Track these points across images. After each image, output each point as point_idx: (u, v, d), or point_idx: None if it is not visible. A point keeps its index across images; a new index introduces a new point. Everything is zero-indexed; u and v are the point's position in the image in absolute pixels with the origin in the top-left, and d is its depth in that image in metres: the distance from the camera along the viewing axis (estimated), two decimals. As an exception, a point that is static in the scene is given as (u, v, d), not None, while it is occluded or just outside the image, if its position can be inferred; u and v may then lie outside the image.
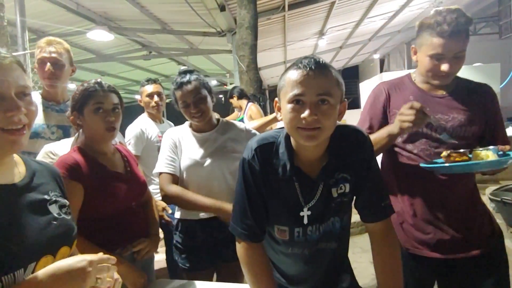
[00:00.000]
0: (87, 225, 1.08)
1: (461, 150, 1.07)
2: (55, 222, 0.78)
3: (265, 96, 5.19)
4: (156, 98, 2.24)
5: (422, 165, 1.12)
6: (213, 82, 11.83)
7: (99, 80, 1.21)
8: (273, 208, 0.98)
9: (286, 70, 0.89)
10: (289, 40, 7.46)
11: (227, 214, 1.31)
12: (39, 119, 1.55)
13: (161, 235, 2.14)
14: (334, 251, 1.03)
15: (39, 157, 1.33)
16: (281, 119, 0.92)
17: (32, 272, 0.70)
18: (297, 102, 0.84)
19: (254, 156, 0.94)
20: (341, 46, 9.26)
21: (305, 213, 0.95)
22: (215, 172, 1.44)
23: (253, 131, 1.59)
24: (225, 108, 4.59)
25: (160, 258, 2.37)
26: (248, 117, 3.42)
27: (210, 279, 1.52)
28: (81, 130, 1.22)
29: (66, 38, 5.38)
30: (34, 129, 1.50)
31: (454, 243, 1.17)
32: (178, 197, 1.39)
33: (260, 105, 3.82)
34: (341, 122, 0.99)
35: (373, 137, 1.12)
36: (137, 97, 2.50)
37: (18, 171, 0.77)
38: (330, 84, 0.84)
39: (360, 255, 3.06)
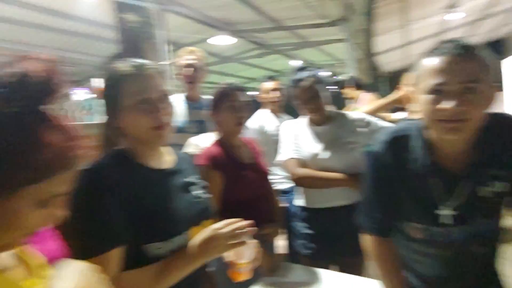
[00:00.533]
0: (226, 208, 1.24)
1: None
2: (197, 200, 0.94)
3: (384, 83, 4.82)
4: (275, 93, 2.39)
5: None
6: (325, 74, 11.63)
7: (230, 82, 1.41)
8: (406, 204, 0.91)
9: (423, 57, 0.81)
10: (410, 20, 6.68)
11: (355, 183, 1.38)
12: (184, 116, 1.87)
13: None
14: (481, 256, 0.92)
15: (188, 149, 1.60)
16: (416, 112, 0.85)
17: (188, 239, 0.85)
18: (438, 92, 0.75)
19: (385, 149, 0.90)
20: (480, 18, 7.77)
21: (443, 212, 0.87)
22: (333, 164, 1.46)
23: (370, 119, 1.54)
24: (339, 99, 4.47)
25: (282, 244, 2.50)
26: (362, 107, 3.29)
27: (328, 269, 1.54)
28: (217, 126, 1.42)
29: (197, 44, 6.18)
30: (181, 125, 1.82)
31: None
32: (309, 177, 1.46)
33: (379, 93, 3.59)
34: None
35: None
36: (251, 94, 2.73)
37: (166, 160, 0.95)
38: (477, 69, 0.75)
39: (509, 268, 2.55)
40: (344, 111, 1.61)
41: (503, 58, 4.16)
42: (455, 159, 0.85)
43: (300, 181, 1.52)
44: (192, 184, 0.96)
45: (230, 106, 1.33)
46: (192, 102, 1.95)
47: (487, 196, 0.85)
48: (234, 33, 5.67)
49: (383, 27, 6.31)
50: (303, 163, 1.50)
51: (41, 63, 0.50)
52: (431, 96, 0.77)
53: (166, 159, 0.95)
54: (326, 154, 1.47)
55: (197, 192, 0.96)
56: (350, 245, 1.43)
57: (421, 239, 0.93)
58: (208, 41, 5.27)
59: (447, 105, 0.74)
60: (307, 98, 1.46)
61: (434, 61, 0.77)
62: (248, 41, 6.71)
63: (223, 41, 5.24)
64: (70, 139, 0.51)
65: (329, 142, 1.48)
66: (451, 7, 6.41)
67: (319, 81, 1.48)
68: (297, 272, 1.28)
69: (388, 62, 10.45)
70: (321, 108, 1.48)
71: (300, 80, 1.47)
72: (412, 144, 0.88)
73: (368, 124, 1.52)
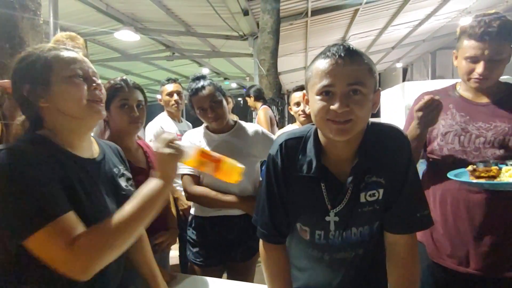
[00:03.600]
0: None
1: (491, 163, 1.02)
2: (123, 193, 0.89)
3: (284, 100, 5.18)
4: (175, 97, 2.30)
5: (449, 175, 1.06)
6: (233, 85, 11.93)
7: (124, 77, 1.28)
8: (296, 207, 0.91)
9: (314, 59, 0.82)
10: (311, 46, 7.46)
11: (248, 207, 1.43)
12: None
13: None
14: (360, 259, 0.93)
15: None
16: (309, 113, 0.86)
17: None
18: (326, 93, 0.77)
19: (277, 151, 0.89)
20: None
21: (332, 218, 0.87)
22: None
23: (269, 134, 1.60)
24: (244, 111, 4.63)
25: (173, 255, 2.41)
26: (257, 122, 3.35)
27: (219, 276, 1.54)
28: (107, 126, 1.28)
29: (94, 37, 5.61)
30: None
31: (497, 260, 1.08)
32: (203, 196, 1.46)
33: (278, 109, 3.83)
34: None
35: None
36: (158, 96, 2.57)
37: (95, 148, 0.89)
38: (362, 72, 0.77)
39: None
40: (243, 123, 1.62)
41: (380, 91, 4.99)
42: (342, 165, 0.85)
43: (195, 199, 1.52)
44: (120, 175, 0.92)
45: (122, 103, 1.22)
46: None
47: (369, 202, 0.86)
48: (141, 30, 5.37)
49: (287, 48, 6.88)
50: (197, 180, 1.49)
51: None
52: (318, 97, 0.78)
53: (91, 148, 0.88)
54: None
55: (124, 183, 0.92)
56: (236, 254, 1.50)
57: (306, 240, 0.93)
58: (115, 35, 4.83)
59: (333, 106, 0.75)
60: (207, 107, 1.45)
61: (322, 64, 0.78)
62: (157, 41, 6.44)
63: (127, 36, 4.86)
64: None
65: (228, 152, 1.48)
66: (343, 40, 7.42)
67: (219, 89, 1.49)
68: (189, 283, 1.24)
69: (290, 82, 11.40)
70: (222, 117, 1.48)
71: (199, 88, 1.45)
72: (307, 146, 0.88)
73: (264, 137, 1.57)
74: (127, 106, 1.23)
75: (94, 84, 0.81)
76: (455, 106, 1.18)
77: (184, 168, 1.50)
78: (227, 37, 5.66)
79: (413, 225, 0.88)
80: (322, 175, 0.85)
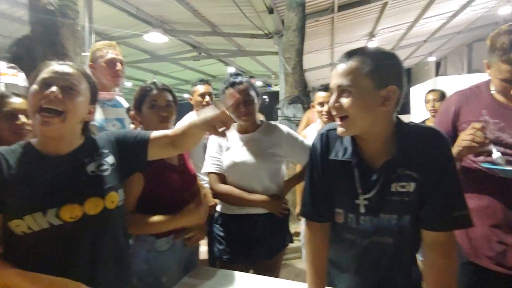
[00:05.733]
0: (146, 212, 1.19)
1: None
2: (84, 178, 0.92)
3: (309, 98, 5.15)
4: (207, 98, 2.36)
5: (482, 164, 1.07)
6: (258, 83, 11.97)
7: (154, 80, 1.35)
8: (332, 190, 1.00)
9: None
10: (337, 42, 7.32)
11: (273, 206, 1.49)
12: (100, 115, 1.71)
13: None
14: (390, 247, 0.97)
15: None
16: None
17: (56, 217, 0.85)
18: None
19: (318, 140, 1.02)
20: (393, 47, 8.86)
21: (362, 202, 0.94)
22: (254, 173, 1.50)
23: (294, 134, 1.60)
24: (269, 109, 4.64)
25: (202, 250, 2.47)
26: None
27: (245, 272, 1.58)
28: (141, 125, 1.35)
29: (125, 39, 5.83)
30: (99, 124, 1.67)
31: None
32: (228, 194, 1.50)
33: (304, 107, 3.80)
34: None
35: None
36: (186, 95, 2.64)
37: (70, 145, 0.95)
38: (352, 73, 0.85)
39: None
40: (274, 123, 1.64)
41: (410, 86, 4.80)
42: (375, 156, 0.93)
43: (221, 197, 1.57)
44: (86, 164, 0.95)
45: (152, 104, 1.28)
46: (106, 100, 1.79)
47: (399, 193, 0.91)
48: (169, 32, 5.51)
49: (313, 46, 6.79)
50: (223, 178, 1.54)
51: None
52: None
53: (68, 144, 0.94)
54: (249, 162, 1.50)
55: (90, 170, 0.94)
56: (260, 251, 1.52)
57: (340, 224, 1.01)
58: (145, 37, 5.00)
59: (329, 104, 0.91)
60: (241, 101, 1.47)
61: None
62: (184, 42, 6.59)
63: (156, 38, 5.01)
64: None
65: (254, 151, 1.51)
66: (371, 35, 7.22)
67: (253, 88, 1.52)
68: (217, 276, 1.28)
69: (316, 79, 11.25)
70: (252, 115, 1.51)
71: (237, 82, 1.48)
72: (344, 137, 0.98)
73: (290, 137, 1.57)
74: (156, 106, 1.28)
75: (42, 92, 0.86)
76: (488, 112, 1.12)
77: (211, 166, 1.54)
78: (253, 36, 5.69)
79: (450, 223, 0.90)
80: (356, 161, 0.94)
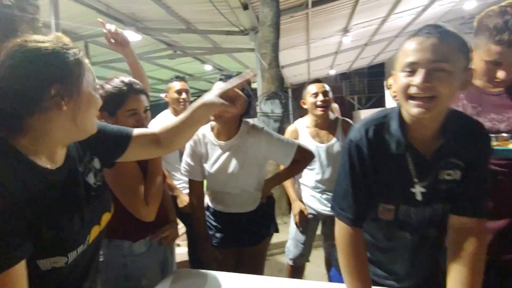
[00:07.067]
0: (120, 214, 1.13)
1: (504, 135, 1.03)
2: (93, 193, 0.81)
3: (287, 94, 5.17)
4: (183, 95, 2.31)
5: None
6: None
7: (127, 80, 1.22)
8: (381, 184, 0.93)
9: (404, 40, 0.86)
10: (312, 38, 7.39)
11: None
12: None
13: (184, 228, 2.20)
14: (430, 240, 0.97)
15: None
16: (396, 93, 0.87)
17: (89, 241, 0.76)
18: (410, 70, 0.80)
19: (362, 138, 0.92)
20: (366, 43, 9.06)
21: (418, 189, 0.91)
22: (235, 181, 1.53)
23: (276, 136, 1.56)
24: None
25: (182, 251, 2.44)
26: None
27: (236, 256, 1.69)
28: None
29: (96, 38, 5.63)
30: None
31: None
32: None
33: (281, 103, 3.82)
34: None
35: None
36: (162, 95, 2.58)
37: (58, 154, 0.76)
38: (447, 50, 0.78)
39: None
40: (253, 123, 1.58)
41: (383, 80, 4.89)
42: (426, 143, 0.89)
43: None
44: (84, 173, 0.81)
45: (133, 113, 1.20)
46: None
47: (445, 179, 0.90)
48: (142, 30, 5.37)
49: (289, 42, 6.82)
50: (200, 184, 1.64)
51: None
52: (403, 74, 0.81)
53: (58, 153, 0.76)
54: (229, 170, 1.51)
55: (92, 181, 0.82)
56: (249, 236, 1.62)
57: (389, 222, 0.96)
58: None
59: (416, 80, 0.78)
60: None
61: (410, 42, 0.81)
62: (158, 40, 6.43)
63: (129, 37, 4.86)
64: None
65: (235, 159, 1.51)
66: (345, 30, 7.33)
67: (246, 87, 1.47)
68: (198, 277, 1.25)
69: (293, 75, 11.33)
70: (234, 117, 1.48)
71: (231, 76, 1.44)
72: (390, 126, 0.91)
73: (274, 142, 1.52)
74: (137, 114, 1.22)
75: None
76: (465, 96, 1.13)
77: (184, 172, 1.63)
78: (228, 33, 5.63)
79: (479, 209, 0.91)
80: (409, 151, 0.90)
